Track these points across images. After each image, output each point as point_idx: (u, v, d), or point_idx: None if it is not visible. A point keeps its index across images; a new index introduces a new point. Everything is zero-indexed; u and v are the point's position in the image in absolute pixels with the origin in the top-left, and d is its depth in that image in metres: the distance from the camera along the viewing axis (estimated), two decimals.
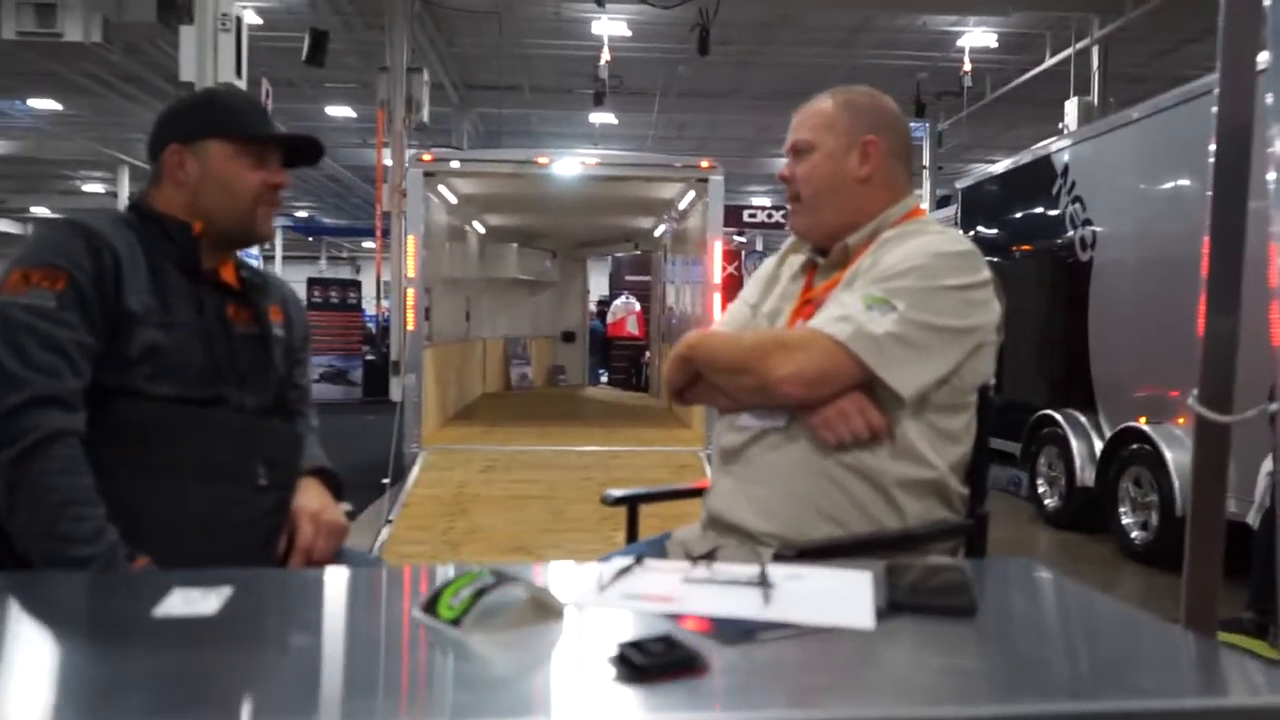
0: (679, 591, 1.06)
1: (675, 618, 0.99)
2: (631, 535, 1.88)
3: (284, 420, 1.70)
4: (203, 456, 1.51)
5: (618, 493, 1.85)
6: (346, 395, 14.60)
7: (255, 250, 14.84)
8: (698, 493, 1.80)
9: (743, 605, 1.01)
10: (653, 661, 0.82)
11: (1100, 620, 1.14)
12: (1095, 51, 12.69)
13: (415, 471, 6.03)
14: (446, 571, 1.02)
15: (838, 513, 1.53)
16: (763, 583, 1.08)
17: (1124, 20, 11.81)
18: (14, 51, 12.03)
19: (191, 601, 0.99)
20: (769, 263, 1.83)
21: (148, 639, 0.95)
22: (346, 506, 1.67)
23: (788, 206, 1.74)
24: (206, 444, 1.53)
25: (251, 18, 10.68)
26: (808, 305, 1.66)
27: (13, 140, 21.42)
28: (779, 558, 1.42)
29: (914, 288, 1.52)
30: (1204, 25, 13.14)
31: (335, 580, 1.17)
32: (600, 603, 1.03)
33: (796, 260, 1.78)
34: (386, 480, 6.00)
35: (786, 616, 0.98)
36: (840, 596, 1.06)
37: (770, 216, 18.45)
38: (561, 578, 1.20)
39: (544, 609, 0.97)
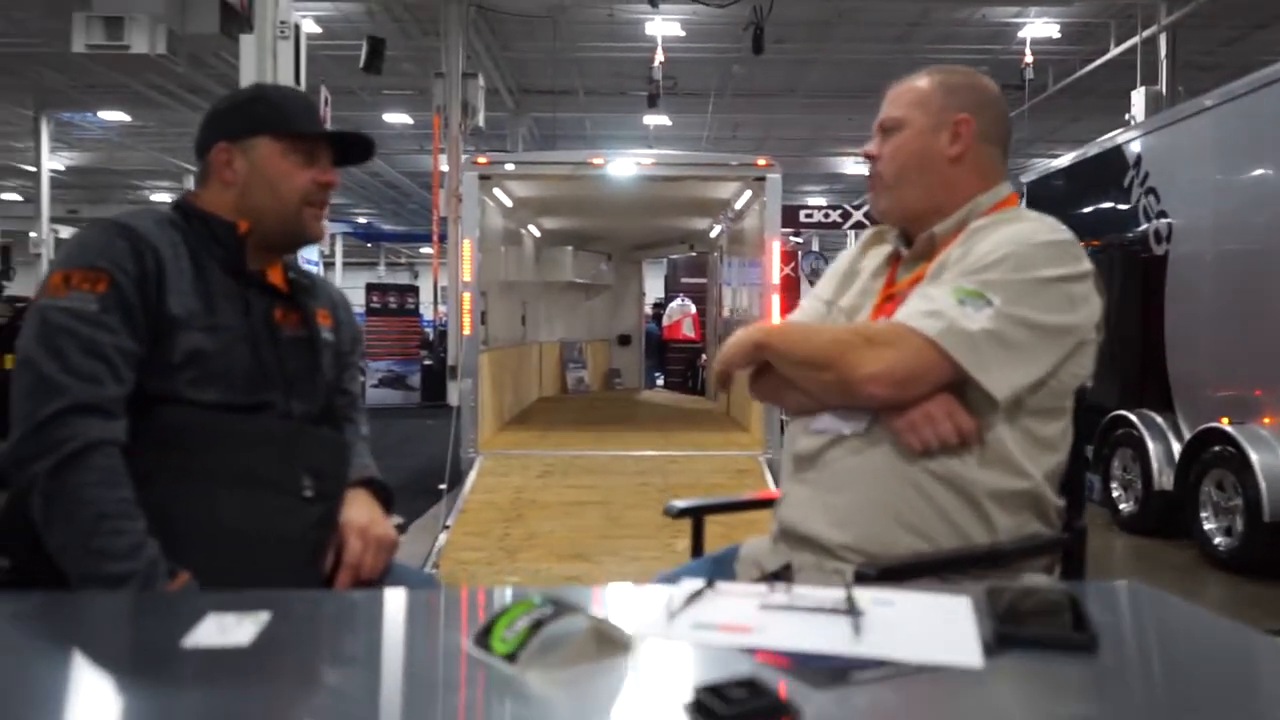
0: (757, 620, 0.95)
1: (754, 652, 0.88)
2: (697, 549, 1.77)
3: (332, 428, 1.62)
4: (245, 464, 1.44)
5: (681, 504, 1.74)
6: (405, 400, 14.70)
7: (315, 256, 15.06)
8: (766, 503, 1.68)
9: (831, 638, 0.90)
10: (736, 711, 0.71)
11: (1231, 652, 1.01)
12: (1163, 39, 12.27)
13: (472, 477, 5.98)
14: (503, 596, 0.92)
15: (922, 524, 1.41)
16: (850, 610, 0.96)
17: (1193, 5, 11.39)
18: (86, 65, 12.39)
19: (225, 629, 0.91)
20: (846, 256, 1.71)
21: (173, 673, 0.87)
22: (397, 519, 1.59)
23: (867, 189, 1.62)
24: (249, 451, 1.45)
25: (310, 26, 10.82)
26: (890, 301, 1.54)
27: (85, 152, 22.09)
28: (861, 577, 1.30)
29: (1009, 280, 1.40)
30: (1276, 10, 12.66)
31: (379, 606, 1.08)
32: (670, 634, 0.93)
33: (878, 253, 1.66)
34: (443, 486, 5.96)
35: (882, 652, 0.86)
36: (939, 627, 0.94)
37: (827, 216, 18.16)
38: (625, 603, 1.10)
39: (608, 642, 0.87)
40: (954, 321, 1.37)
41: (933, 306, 1.40)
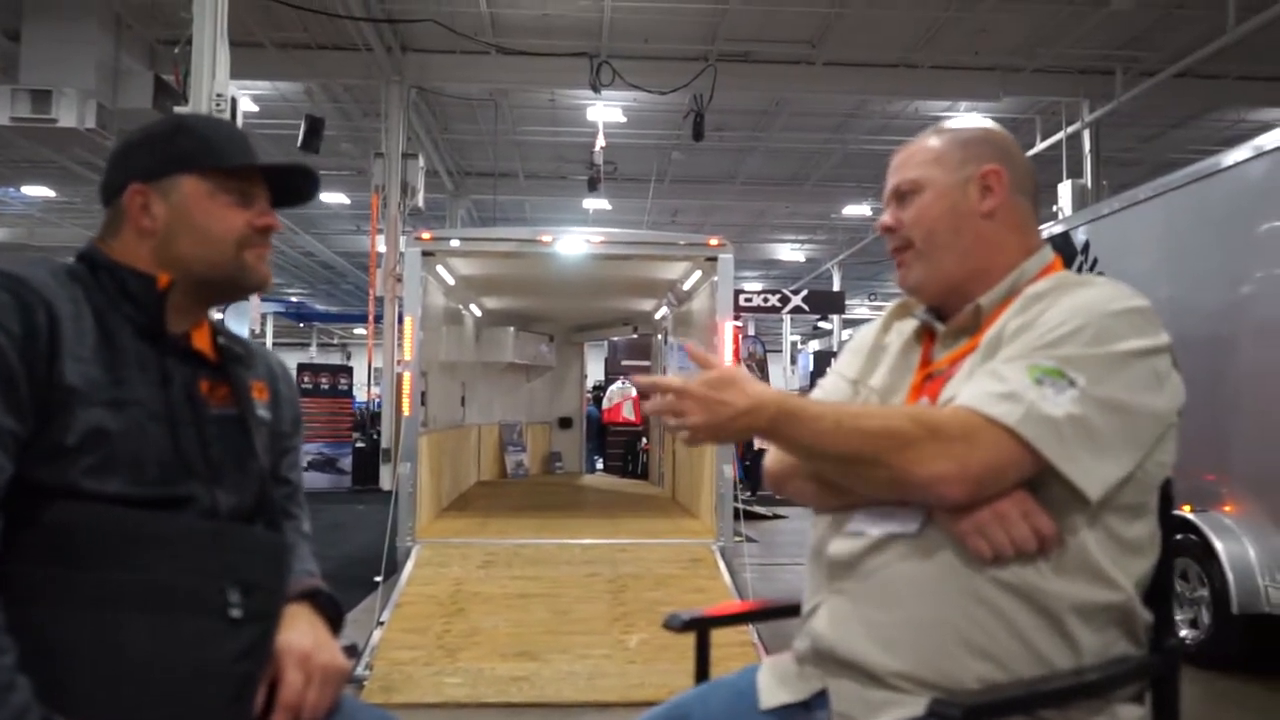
0: None
1: None
2: (702, 670, 1.48)
3: (267, 526, 1.33)
4: (155, 577, 1.14)
5: (687, 615, 1.47)
6: (335, 484, 14.15)
7: (245, 333, 14.59)
8: (787, 611, 1.42)
9: None
10: None
11: None
12: (1086, 135, 12.86)
13: (409, 568, 5.60)
14: None
15: (993, 647, 1.17)
16: None
17: (1114, 104, 11.94)
18: (10, 139, 11.95)
19: None
20: (867, 332, 1.49)
21: None
22: (346, 641, 1.29)
23: (894, 260, 1.41)
24: (160, 559, 1.15)
25: (247, 104, 10.60)
26: (931, 381, 1.32)
27: (6, 227, 21.40)
28: (935, 716, 1.05)
29: (1093, 355, 1.19)
30: (1189, 109, 13.35)
31: None
32: None
33: (905, 328, 1.44)
34: (379, 579, 5.55)
35: None
36: None
37: (766, 300, 18.31)
38: None
39: None
40: (1034, 405, 1.15)
41: (1006, 388, 1.18)
